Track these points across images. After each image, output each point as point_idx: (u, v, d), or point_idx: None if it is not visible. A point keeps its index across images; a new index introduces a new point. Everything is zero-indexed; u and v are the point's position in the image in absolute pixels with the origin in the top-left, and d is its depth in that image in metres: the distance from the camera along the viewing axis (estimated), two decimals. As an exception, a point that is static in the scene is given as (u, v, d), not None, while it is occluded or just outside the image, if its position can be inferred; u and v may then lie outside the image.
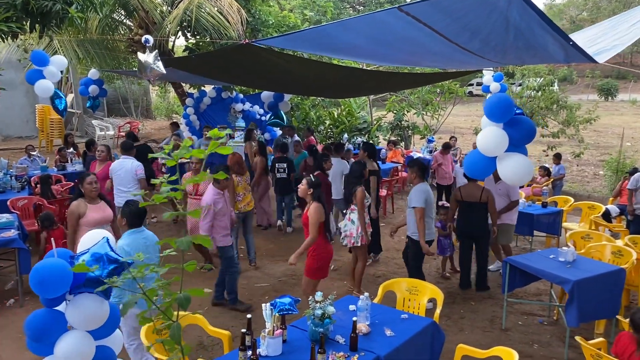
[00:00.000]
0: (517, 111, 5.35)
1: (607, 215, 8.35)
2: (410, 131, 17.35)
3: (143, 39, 5.30)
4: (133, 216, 4.18)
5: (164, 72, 5.08)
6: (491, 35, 4.22)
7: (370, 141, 16.11)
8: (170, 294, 1.33)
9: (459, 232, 6.82)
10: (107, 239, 2.70)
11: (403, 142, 17.22)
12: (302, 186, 5.06)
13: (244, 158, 10.22)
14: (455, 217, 6.90)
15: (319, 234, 4.91)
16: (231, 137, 13.17)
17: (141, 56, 4.85)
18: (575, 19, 46.72)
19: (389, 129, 17.36)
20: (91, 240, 2.87)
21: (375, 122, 17.69)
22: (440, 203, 7.93)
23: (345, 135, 15.71)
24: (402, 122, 17.17)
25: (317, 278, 5.16)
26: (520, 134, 5.04)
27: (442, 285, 6.72)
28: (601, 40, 5.73)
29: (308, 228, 4.98)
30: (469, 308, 6.10)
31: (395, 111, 17.10)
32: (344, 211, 6.31)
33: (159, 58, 5.06)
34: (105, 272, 2.50)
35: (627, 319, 3.76)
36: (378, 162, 8.39)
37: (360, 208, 5.95)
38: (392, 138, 16.20)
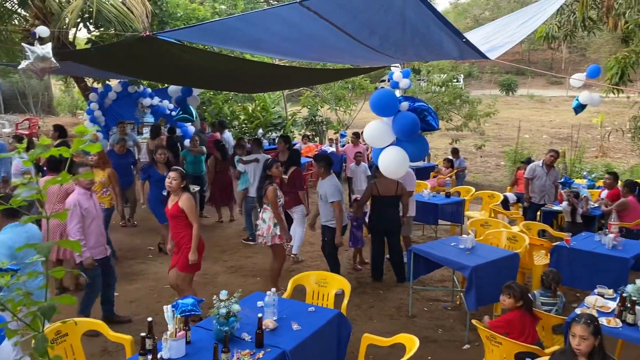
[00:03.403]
0: (414, 105, 5.51)
1: (505, 203, 8.91)
2: (324, 126, 17.57)
3: (32, 31, 4.97)
4: (8, 209, 3.91)
5: (57, 65, 4.76)
6: (389, 33, 4.33)
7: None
8: (34, 304, 1.24)
9: (373, 228, 6.86)
10: None
11: (317, 137, 17.42)
12: (176, 181, 4.92)
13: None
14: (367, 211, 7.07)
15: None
16: (139, 132, 12.70)
17: (28, 48, 4.52)
18: (478, 18, 49.26)
19: (303, 124, 17.50)
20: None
21: (290, 118, 17.75)
22: (353, 197, 8.10)
23: (260, 131, 15.65)
24: (316, 118, 17.36)
25: (193, 271, 5.14)
26: (400, 128, 5.20)
27: (352, 276, 6.87)
28: (494, 38, 6.06)
29: (178, 220, 4.96)
30: (378, 297, 6.28)
31: (309, 106, 17.25)
32: (259, 210, 6.25)
33: (50, 51, 4.74)
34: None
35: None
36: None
37: (274, 207, 5.81)
38: (307, 133, 16.35)
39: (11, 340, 3.44)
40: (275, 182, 6.00)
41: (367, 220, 7.08)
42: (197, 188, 8.22)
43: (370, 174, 9.12)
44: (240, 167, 8.13)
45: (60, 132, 8.43)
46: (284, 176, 7.22)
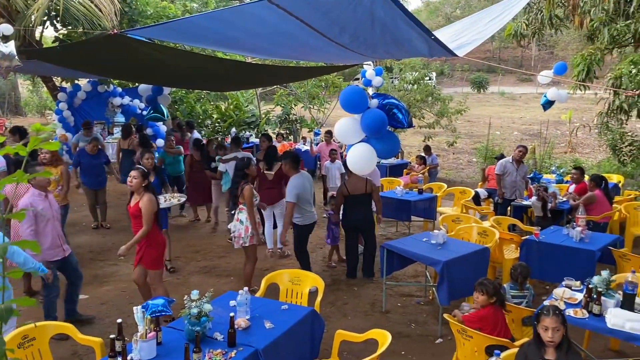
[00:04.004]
0: (383, 101, 5.55)
1: (476, 199, 9.03)
2: (298, 125, 17.55)
3: (-5, 28, 4.84)
4: None
5: (20, 64, 4.65)
6: (359, 30, 4.34)
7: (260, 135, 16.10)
8: (-10, 306, 1.21)
9: (346, 226, 6.87)
10: None
11: (292, 136, 17.39)
12: (137, 179, 4.88)
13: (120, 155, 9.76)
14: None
15: (152, 223, 4.91)
16: (110, 132, 12.50)
17: (-10, 46, 4.41)
18: (450, 16, 49.79)
19: (277, 122, 17.44)
20: None
21: (263, 116, 17.68)
22: (329, 194, 8.12)
23: (234, 129, 15.56)
24: (290, 116, 17.32)
25: (160, 268, 5.14)
26: (367, 125, 5.25)
27: (327, 273, 6.89)
28: (463, 35, 6.14)
29: (138, 219, 4.93)
30: (352, 294, 6.30)
31: (283, 105, 17.20)
32: (232, 212, 6.15)
33: (13, 49, 4.63)
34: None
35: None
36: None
37: (250, 207, 5.77)
38: (281, 131, 16.31)
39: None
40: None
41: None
42: (183, 199, 8.05)
43: (344, 171, 9.16)
44: (221, 167, 8.07)
45: (20, 134, 8.20)
46: (269, 172, 7.22)
